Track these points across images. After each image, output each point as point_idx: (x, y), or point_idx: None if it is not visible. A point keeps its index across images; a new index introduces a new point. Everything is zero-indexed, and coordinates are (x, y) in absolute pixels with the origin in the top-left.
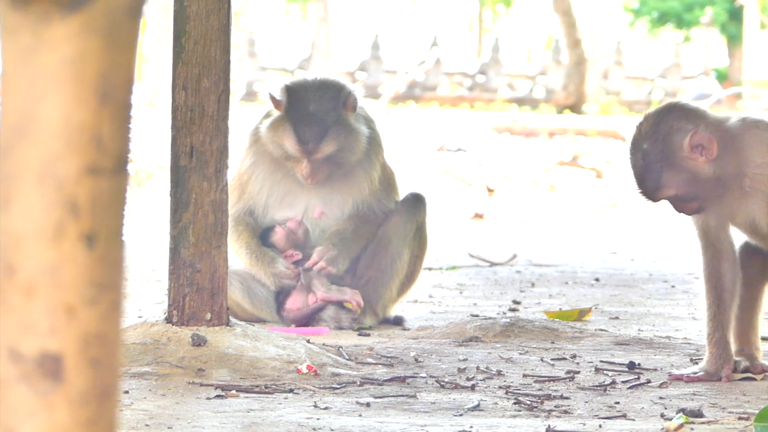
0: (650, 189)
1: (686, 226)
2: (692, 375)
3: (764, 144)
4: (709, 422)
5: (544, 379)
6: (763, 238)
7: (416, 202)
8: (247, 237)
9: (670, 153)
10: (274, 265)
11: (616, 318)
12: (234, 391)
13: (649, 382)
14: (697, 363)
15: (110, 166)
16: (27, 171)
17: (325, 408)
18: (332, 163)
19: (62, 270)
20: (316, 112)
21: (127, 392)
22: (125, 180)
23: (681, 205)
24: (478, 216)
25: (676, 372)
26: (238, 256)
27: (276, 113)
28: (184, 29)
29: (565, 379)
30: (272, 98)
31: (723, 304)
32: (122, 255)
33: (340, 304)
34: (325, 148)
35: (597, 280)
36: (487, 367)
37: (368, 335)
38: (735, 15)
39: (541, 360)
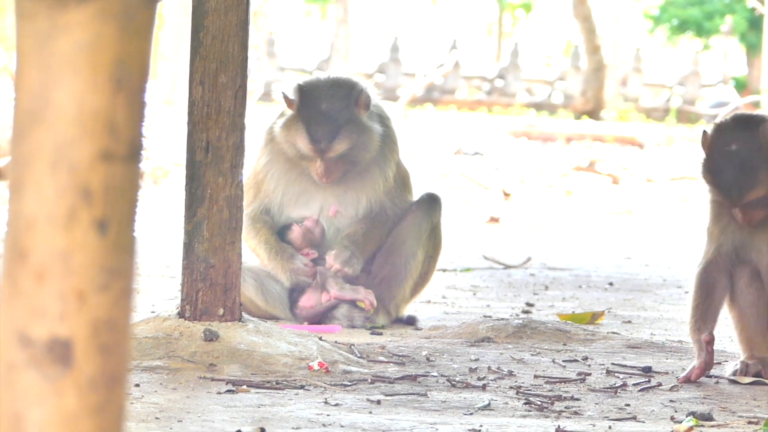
0: (745, 189)
1: (700, 233)
2: (694, 370)
3: None
4: (718, 426)
5: (555, 380)
6: None
7: (432, 202)
8: (266, 233)
9: (766, 151)
10: (292, 261)
11: (629, 322)
12: (245, 387)
13: (660, 385)
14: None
15: (123, 152)
16: (40, 156)
17: (336, 405)
18: (347, 162)
19: (74, 256)
20: (328, 110)
21: (138, 385)
22: (138, 166)
23: (755, 213)
24: (494, 220)
25: (683, 375)
26: (255, 252)
27: (289, 112)
28: (203, 24)
29: (576, 380)
30: (285, 97)
31: (710, 300)
32: (134, 242)
33: (353, 303)
34: (338, 147)
35: (611, 284)
36: (498, 368)
37: (380, 334)
38: (755, 24)
39: (553, 361)
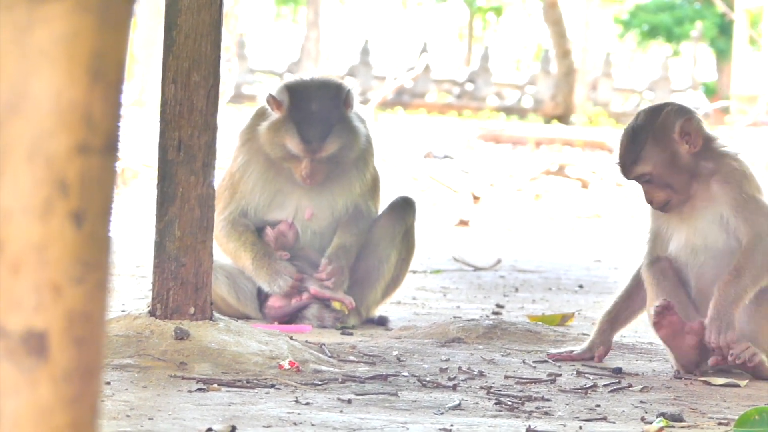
0: (629, 161)
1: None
2: (569, 353)
3: (739, 161)
4: (689, 427)
5: (525, 380)
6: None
7: (406, 205)
8: (251, 236)
9: (660, 129)
10: (281, 266)
11: None
12: (216, 385)
13: (630, 386)
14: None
15: (100, 144)
16: (17, 148)
17: (307, 403)
18: (331, 163)
19: (49, 248)
20: (319, 110)
21: (108, 383)
22: (115, 159)
23: (651, 191)
24: (463, 223)
25: (553, 351)
26: (235, 255)
27: (273, 114)
28: (176, 23)
29: (546, 381)
30: (272, 99)
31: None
32: (110, 234)
33: (324, 303)
34: (330, 147)
35: (581, 287)
36: (468, 368)
37: (351, 334)
38: (725, 30)
39: (523, 362)
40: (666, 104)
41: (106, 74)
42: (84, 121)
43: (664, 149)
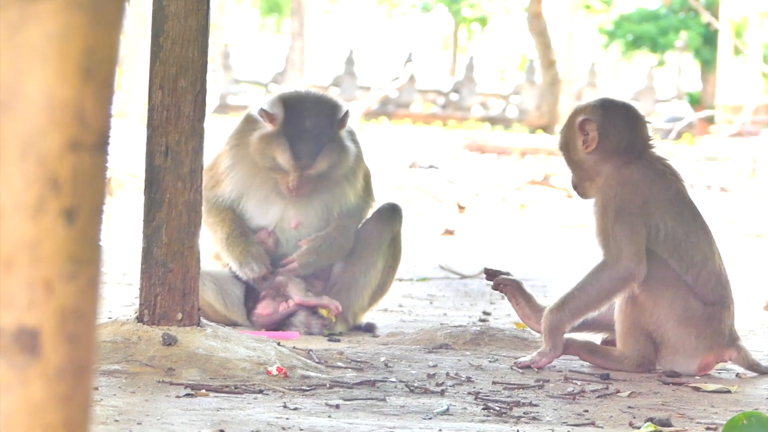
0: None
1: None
2: (543, 361)
3: (633, 177)
4: (677, 431)
5: (513, 386)
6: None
7: (393, 212)
8: (230, 214)
9: (574, 115)
10: (251, 260)
11: None
12: (204, 391)
13: (618, 391)
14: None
15: (92, 142)
16: (9, 146)
17: (295, 409)
18: (319, 178)
19: (41, 245)
20: (313, 128)
21: (96, 389)
22: (106, 156)
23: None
24: (449, 232)
25: (522, 360)
26: (212, 229)
27: (266, 125)
28: (163, 29)
29: (534, 386)
30: (265, 113)
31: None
32: (101, 231)
33: (311, 310)
34: (319, 165)
35: None
36: (456, 374)
37: (338, 341)
38: (709, 40)
39: (511, 368)
40: (604, 100)
41: (98, 72)
42: (76, 119)
43: (566, 134)
